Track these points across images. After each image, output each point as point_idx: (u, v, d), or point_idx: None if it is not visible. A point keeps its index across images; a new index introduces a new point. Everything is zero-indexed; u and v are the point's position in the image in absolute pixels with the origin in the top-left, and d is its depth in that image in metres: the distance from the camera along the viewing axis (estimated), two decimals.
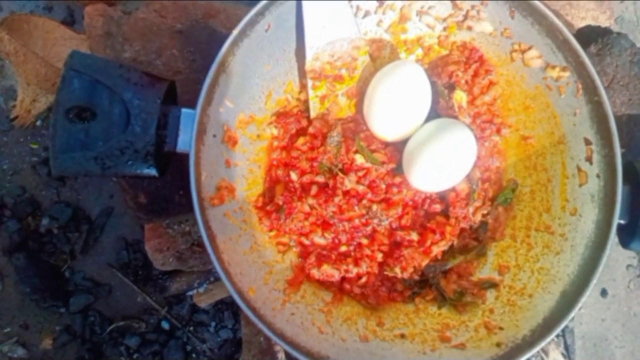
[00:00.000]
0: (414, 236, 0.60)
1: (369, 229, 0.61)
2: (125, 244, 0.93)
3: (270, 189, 0.62)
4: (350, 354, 0.55)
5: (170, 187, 0.68)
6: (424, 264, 0.60)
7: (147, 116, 0.51)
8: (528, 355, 0.54)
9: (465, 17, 0.61)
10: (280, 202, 0.60)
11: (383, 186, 0.60)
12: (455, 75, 0.61)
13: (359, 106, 0.63)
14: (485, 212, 0.62)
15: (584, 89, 0.58)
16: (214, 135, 0.55)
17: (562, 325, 0.54)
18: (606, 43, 0.71)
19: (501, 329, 0.57)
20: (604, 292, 1.00)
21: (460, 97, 0.59)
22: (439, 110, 0.61)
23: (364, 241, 0.61)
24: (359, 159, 0.59)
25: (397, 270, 0.60)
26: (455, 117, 0.59)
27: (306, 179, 0.61)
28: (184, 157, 0.53)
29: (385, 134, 0.59)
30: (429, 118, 0.59)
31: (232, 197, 0.57)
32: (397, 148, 0.61)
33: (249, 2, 0.56)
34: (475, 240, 0.63)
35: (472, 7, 0.60)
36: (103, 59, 0.52)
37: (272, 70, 0.60)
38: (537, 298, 0.58)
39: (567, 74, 0.58)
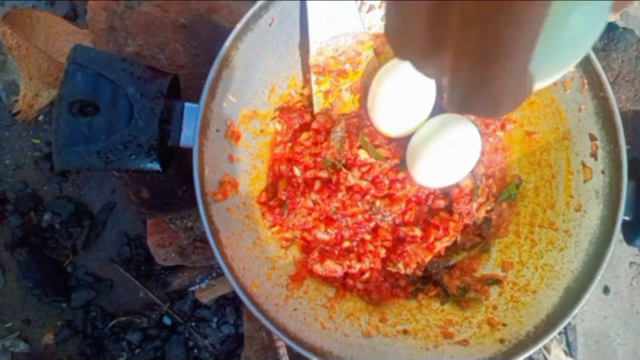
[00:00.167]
0: (418, 232, 0.60)
1: (372, 224, 0.61)
2: (127, 239, 0.93)
3: (273, 184, 0.62)
4: (353, 350, 0.55)
5: (173, 182, 0.68)
6: (427, 260, 0.60)
7: (151, 110, 0.51)
8: (531, 351, 0.53)
9: None
10: (284, 198, 0.60)
11: (386, 182, 0.60)
12: None
13: (363, 101, 0.63)
14: (489, 208, 0.61)
15: (589, 85, 0.57)
16: (217, 130, 0.55)
17: (566, 322, 0.54)
18: (612, 38, 0.71)
19: (504, 325, 0.57)
20: (606, 290, 0.99)
21: None
22: (444, 105, 0.60)
23: (367, 237, 0.61)
24: (363, 155, 0.59)
25: (400, 266, 0.60)
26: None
27: (309, 174, 0.60)
28: (187, 152, 0.53)
29: (389, 129, 0.59)
30: (433, 113, 0.59)
31: (235, 192, 0.57)
32: (401, 144, 0.60)
33: None
34: (479, 237, 0.63)
35: None
36: (106, 53, 0.52)
37: (275, 65, 0.60)
38: (540, 294, 0.57)
39: (572, 69, 0.58)
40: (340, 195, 0.59)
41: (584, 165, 0.59)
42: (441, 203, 0.61)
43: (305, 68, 0.62)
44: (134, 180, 0.67)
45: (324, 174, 0.60)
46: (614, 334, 0.99)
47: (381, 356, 0.56)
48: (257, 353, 0.78)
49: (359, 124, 0.61)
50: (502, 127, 0.63)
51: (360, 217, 0.60)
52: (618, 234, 0.55)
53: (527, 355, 0.53)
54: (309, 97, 0.62)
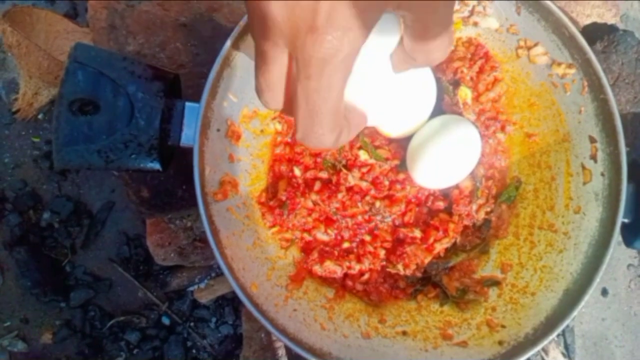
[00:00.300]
0: (417, 233, 0.60)
1: (371, 225, 0.61)
2: (127, 239, 0.93)
3: (273, 184, 0.62)
4: (352, 351, 0.55)
5: (173, 181, 0.68)
6: (426, 261, 0.60)
7: (151, 109, 0.51)
8: (530, 353, 0.53)
9: (471, 13, 0.61)
10: (284, 198, 0.60)
11: (386, 183, 0.60)
12: (460, 72, 0.61)
13: None
14: (488, 209, 0.62)
15: (589, 87, 0.57)
16: (218, 130, 0.55)
17: (565, 324, 0.54)
18: (612, 40, 0.71)
19: (503, 327, 0.57)
20: (604, 292, 1.00)
21: (465, 93, 0.59)
22: (444, 106, 0.60)
23: (367, 238, 0.61)
24: (363, 155, 0.59)
25: (400, 267, 0.60)
26: (460, 114, 0.59)
27: (309, 174, 0.60)
28: (187, 152, 0.53)
29: (389, 129, 0.59)
30: (433, 114, 0.59)
31: (236, 192, 0.57)
32: (401, 144, 0.60)
33: None
34: (478, 238, 0.63)
35: (479, 3, 0.60)
36: (107, 52, 0.52)
37: None
38: (539, 296, 0.57)
39: (572, 71, 0.58)
40: (340, 196, 0.59)
41: (583, 168, 0.59)
42: (441, 204, 0.61)
43: None
44: (133, 180, 0.67)
45: (324, 175, 0.60)
46: (612, 336, 0.99)
47: (380, 357, 0.56)
48: (255, 354, 0.78)
49: None
50: (502, 128, 0.63)
51: (360, 217, 0.60)
52: (617, 237, 0.55)
53: (525, 357, 0.53)
54: None
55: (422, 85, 0.56)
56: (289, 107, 0.35)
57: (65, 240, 0.92)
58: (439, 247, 0.60)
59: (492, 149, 0.63)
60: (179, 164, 0.57)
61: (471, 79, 0.62)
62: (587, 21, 0.79)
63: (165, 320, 0.92)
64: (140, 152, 0.51)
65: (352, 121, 0.39)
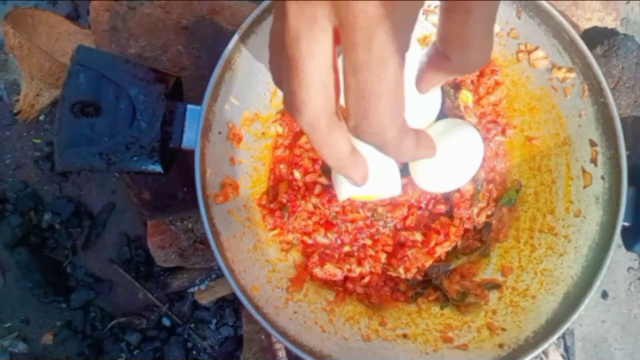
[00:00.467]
0: (418, 237, 0.60)
1: (373, 230, 0.61)
2: (127, 240, 0.93)
3: (274, 187, 0.62)
4: (353, 353, 0.55)
5: (174, 183, 0.68)
6: (427, 264, 0.60)
7: (153, 112, 0.51)
8: (530, 356, 0.54)
9: None
10: (284, 201, 0.60)
11: None
12: None
13: None
14: (489, 213, 0.62)
15: (590, 91, 0.57)
16: (219, 132, 0.55)
17: (565, 327, 0.54)
18: (612, 45, 0.71)
19: (504, 330, 0.57)
20: (604, 294, 1.00)
21: (466, 97, 0.59)
22: (445, 110, 0.60)
23: (368, 242, 0.61)
24: None
25: (401, 270, 0.60)
26: (461, 117, 0.59)
27: (309, 178, 0.60)
28: (188, 154, 0.53)
29: None
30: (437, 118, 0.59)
31: (237, 195, 0.57)
32: None
33: None
34: (479, 241, 0.63)
35: None
36: (109, 54, 0.52)
37: None
38: (540, 299, 0.58)
39: (573, 75, 0.58)
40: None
41: (584, 171, 0.59)
42: (442, 208, 0.61)
43: None
44: (135, 182, 0.68)
45: (324, 180, 0.60)
46: (611, 339, 0.99)
47: None
48: (256, 355, 0.79)
49: None
50: (503, 132, 0.63)
51: (361, 222, 0.60)
52: (617, 240, 0.55)
53: None
54: None
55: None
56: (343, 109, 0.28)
57: (66, 242, 0.92)
58: (440, 251, 0.60)
59: (493, 153, 0.63)
60: (180, 166, 0.58)
61: (472, 82, 0.62)
62: (588, 25, 0.80)
63: (166, 322, 0.92)
64: (142, 155, 0.51)
65: (421, 135, 0.32)
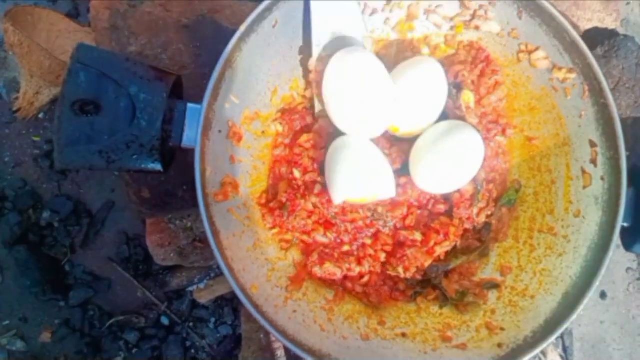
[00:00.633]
0: (418, 236, 0.60)
1: (373, 230, 0.61)
2: (126, 239, 0.93)
3: (273, 186, 0.62)
4: (352, 352, 0.55)
5: (173, 182, 0.68)
6: (427, 264, 0.60)
7: (153, 110, 0.51)
8: (529, 356, 0.54)
9: (473, 16, 0.61)
10: (284, 200, 0.60)
11: None
12: (461, 75, 0.61)
13: None
14: (489, 213, 0.62)
15: (590, 91, 0.57)
16: (220, 131, 0.55)
17: (564, 327, 0.54)
18: (613, 45, 0.71)
19: (502, 329, 0.57)
20: (603, 295, 1.00)
21: (468, 97, 0.59)
22: (446, 109, 0.60)
23: (368, 241, 0.61)
24: None
25: (400, 270, 0.60)
26: (462, 117, 0.59)
27: (309, 177, 0.60)
28: (188, 152, 0.53)
29: (398, 124, 0.59)
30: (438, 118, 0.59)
31: (236, 193, 0.57)
32: (402, 149, 0.60)
33: None
34: (478, 241, 0.63)
35: (480, 6, 0.60)
36: (110, 52, 0.52)
37: (278, 67, 0.60)
38: (539, 299, 0.58)
39: (573, 75, 0.58)
40: None
41: (583, 172, 0.59)
42: (441, 207, 0.61)
43: (308, 70, 0.62)
44: (134, 180, 0.68)
45: (323, 180, 0.60)
46: (610, 339, 0.99)
47: (379, 359, 0.56)
48: (254, 354, 0.79)
49: None
50: (503, 132, 0.63)
51: (360, 222, 0.60)
52: (617, 240, 0.55)
53: (525, 359, 0.54)
54: (312, 99, 0.62)
55: (435, 86, 0.57)
56: None
57: (65, 240, 0.92)
58: (440, 250, 0.60)
59: (493, 153, 0.63)
60: (179, 164, 0.57)
61: (472, 82, 0.62)
62: (588, 26, 0.80)
63: (165, 320, 0.92)
64: (142, 153, 0.51)
65: None
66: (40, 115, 0.95)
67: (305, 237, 0.61)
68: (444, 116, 0.60)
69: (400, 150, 0.60)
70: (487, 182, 0.62)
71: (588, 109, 0.58)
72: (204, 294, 0.88)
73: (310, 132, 0.62)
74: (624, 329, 0.99)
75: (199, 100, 0.52)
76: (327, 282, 0.61)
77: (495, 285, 0.61)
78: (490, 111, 0.63)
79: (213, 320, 0.92)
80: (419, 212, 0.61)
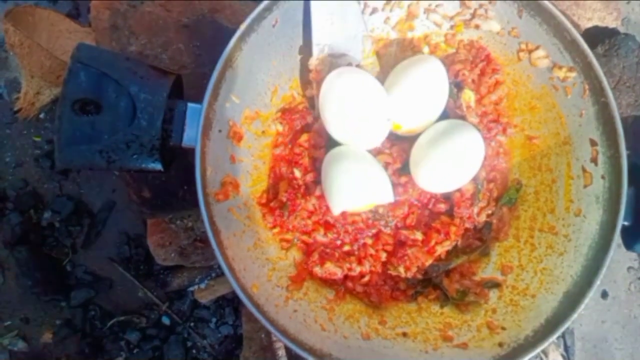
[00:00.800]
0: (419, 236, 0.60)
1: (374, 231, 0.61)
2: (127, 239, 0.93)
3: (274, 185, 0.62)
4: (352, 352, 0.55)
5: (174, 182, 0.68)
6: (427, 263, 0.60)
7: (154, 110, 0.51)
8: (530, 355, 0.54)
9: (473, 15, 0.61)
10: (284, 199, 0.60)
11: None
12: (461, 74, 0.61)
13: None
14: (489, 212, 0.62)
15: (590, 90, 0.57)
16: (220, 131, 0.55)
17: (565, 326, 0.54)
18: (613, 44, 0.71)
19: (503, 329, 0.57)
20: (604, 294, 1.00)
21: (468, 96, 0.59)
22: (447, 109, 0.60)
23: (369, 241, 0.61)
24: None
25: (401, 269, 0.60)
26: (463, 117, 0.59)
27: (309, 177, 0.60)
28: (188, 152, 0.53)
29: (400, 121, 0.59)
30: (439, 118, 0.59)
31: (237, 193, 0.57)
32: (403, 148, 0.60)
33: None
34: (479, 240, 0.63)
35: (480, 5, 0.60)
36: (110, 52, 0.52)
37: (278, 66, 0.60)
38: (539, 298, 0.58)
39: (573, 74, 0.58)
40: None
41: (584, 170, 0.59)
42: (442, 207, 0.61)
43: (308, 69, 0.62)
44: (135, 180, 0.68)
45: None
46: (611, 339, 0.99)
47: (380, 358, 0.56)
48: (255, 354, 0.79)
49: None
50: (504, 131, 0.63)
51: (361, 224, 0.60)
52: (617, 239, 0.55)
53: (525, 359, 0.53)
54: (312, 99, 0.62)
55: (436, 84, 0.57)
56: None
57: (66, 240, 0.92)
58: (440, 250, 0.60)
59: (493, 152, 0.63)
60: (180, 164, 0.57)
61: (473, 81, 0.62)
62: (589, 24, 0.80)
63: (166, 320, 0.92)
64: (142, 153, 0.51)
65: None
66: (41, 116, 0.95)
67: (305, 237, 0.61)
68: (444, 115, 0.60)
69: (400, 150, 0.60)
70: (487, 181, 0.62)
71: (588, 108, 0.58)
72: (205, 294, 0.88)
73: (310, 132, 0.62)
74: (626, 329, 0.99)
75: (199, 99, 0.52)
76: (327, 282, 0.61)
77: (496, 285, 0.61)
78: (491, 110, 0.63)
79: (214, 320, 0.92)
80: (419, 211, 0.61)
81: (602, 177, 0.57)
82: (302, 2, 0.57)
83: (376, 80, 0.56)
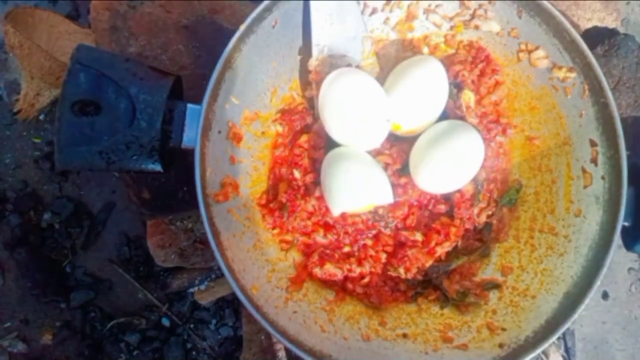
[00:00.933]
0: (419, 237, 0.60)
1: (374, 232, 0.61)
2: (127, 240, 0.93)
3: (274, 186, 0.62)
4: (352, 353, 0.55)
5: (174, 183, 0.68)
6: (427, 264, 0.60)
7: (153, 111, 0.51)
8: (530, 356, 0.53)
9: (473, 16, 0.61)
10: (284, 200, 0.60)
11: None
12: (461, 75, 0.61)
13: None
14: (489, 213, 0.62)
15: (590, 90, 0.57)
16: (219, 132, 0.55)
17: (565, 327, 0.54)
18: (613, 44, 0.71)
19: (504, 330, 0.57)
20: (605, 295, 1.00)
21: (468, 97, 0.59)
22: (447, 109, 0.60)
23: (369, 242, 0.61)
24: None
25: (401, 270, 0.60)
26: (463, 117, 0.59)
27: (309, 178, 0.60)
28: (188, 153, 0.53)
29: (399, 122, 0.59)
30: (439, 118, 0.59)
31: (236, 194, 0.57)
32: (403, 149, 0.60)
33: None
34: (479, 241, 0.63)
35: (480, 6, 0.60)
36: (109, 53, 0.52)
37: (278, 67, 0.60)
38: (540, 299, 0.57)
39: (573, 74, 0.58)
40: None
41: (584, 171, 0.59)
42: (442, 208, 0.61)
43: (308, 70, 0.62)
44: (134, 181, 0.68)
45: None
46: (612, 340, 0.99)
47: (380, 359, 0.55)
48: (255, 356, 0.78)
49: None
50: (504, 132, 0.63)
51: (361, 225, 0.60)
52: (617, 240, 0.55)
53: None
54: (311, 100, 0.62)
55: (436, 85, 0.57)
56: None
57: (66, 241, 0.92)
58: (440, 251, 0.60)
59: (493, 152, 0.63)
60: (179, 165, 0.57)
61: (472, 82, 0.62)
62: (588, 25, 0.80)
63: (165, 322, 0.91)
64: (142, 154, 0.51)
65: None
66: (41, 117, 0.95)
67: (305, 238, 0.61)
68: (444, 116, 0.60)
69: (400, 150, 0.60)
70: (487, 181, 0.62)
71: (588, 108, 0.58)
72: (205, 295, 0.88)
73: (310, 132, 0.62)
74: (627, 330, 0.99)
75: (198, 100, 0.52)
76: (327, 283, 0.61)
77: (496, 286, 0.61)
78: (491, 111, 0.63)
79: (214, 321, 0.92)
80: (419, 212, 0.61)
81: (602, 178, 0.57)
82: (301, 2, 0.57)
83: (376, 81, 0.56)
